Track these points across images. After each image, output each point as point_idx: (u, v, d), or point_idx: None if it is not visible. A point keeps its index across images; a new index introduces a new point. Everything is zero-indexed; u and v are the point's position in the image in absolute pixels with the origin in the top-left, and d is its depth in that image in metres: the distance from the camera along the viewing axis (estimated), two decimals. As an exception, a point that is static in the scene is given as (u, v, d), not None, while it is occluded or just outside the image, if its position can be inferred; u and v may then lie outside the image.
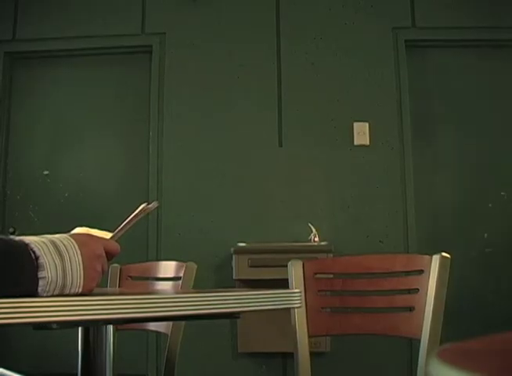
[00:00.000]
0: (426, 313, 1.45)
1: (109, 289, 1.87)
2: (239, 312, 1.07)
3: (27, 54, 4.14)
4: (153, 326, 1.88)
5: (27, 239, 0.84)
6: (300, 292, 1.09)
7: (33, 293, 0.81)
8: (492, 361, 0.32)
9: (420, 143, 3.85)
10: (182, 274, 1.78)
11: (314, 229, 3.51)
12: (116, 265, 2.03)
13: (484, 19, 3.90)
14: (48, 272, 0.82)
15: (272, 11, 3.97)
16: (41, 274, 0.81)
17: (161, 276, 1.94)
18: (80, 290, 0.87)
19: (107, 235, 1.09)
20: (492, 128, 3.90)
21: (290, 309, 1.31)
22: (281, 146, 3.82)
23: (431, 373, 0.32)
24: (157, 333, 2.09)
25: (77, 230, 1.19)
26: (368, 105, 3.83)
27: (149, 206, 1.13)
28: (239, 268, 3.24)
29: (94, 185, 3.98)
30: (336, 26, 3.91)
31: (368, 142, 3.78)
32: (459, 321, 3.40)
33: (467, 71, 3.98)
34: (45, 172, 4.02)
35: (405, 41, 3.91)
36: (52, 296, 0.83)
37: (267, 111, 3.87)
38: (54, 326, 0.86)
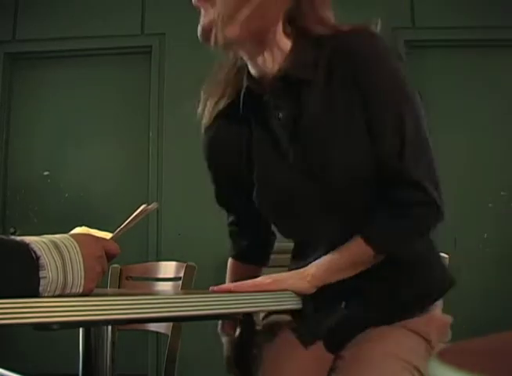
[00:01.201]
0: (425, 313, 1.45)
1: (109, 289, 1.87)
2: (239, 313, 1.07)
3: (27, 55, 4.14)
4: (153, 326, 1.88)
5: (28, 239, 0.84)
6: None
7: (34, 293, 0.81)
8: (492, 361, 0.32)
9: (419, 143, 3.85)
10: (182, 275, 1.78)
11: (314, 230, 3.51)
12: (116, 265, 2.03)
13: (484, 18, 3.90)
14: (49, 272, 0.82)
15: (272, 11, 3.97)
16: (42, 274, 0.81)
17: (161, 276, 1.94)
18: (80, 290, 0.87)
19: (107, 235, 1.09)
20: (492, 127, 3.90)
21: (290, 309, 1.31)
22: (281, 147, 3.82)
23: (432, 373, 0.32)
24: (158, 333, 2.08)
25: (77, 230, 1.19)
26: (368, 105, 3.83)
27: (149, 207, 1.13)
28: (240, 268, 3.23)
29: (94, 185, 3.98)
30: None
31: (368, 143, 3.78)
32: (459, 321, 3.40)
33: (467, 71, 3.98)
34: (46, 173, 4.02)
35: (405, 41, 3.91)
36: (53, 296, 0.83)
37: (267, 111, 3.86)
38: (55, 326, 0.86)
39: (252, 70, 1.22)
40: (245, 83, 1.22)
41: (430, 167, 1.13)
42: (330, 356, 1.24)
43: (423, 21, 3.93)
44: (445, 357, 0.31)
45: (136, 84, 4.06)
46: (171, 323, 1.76)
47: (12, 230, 3.91)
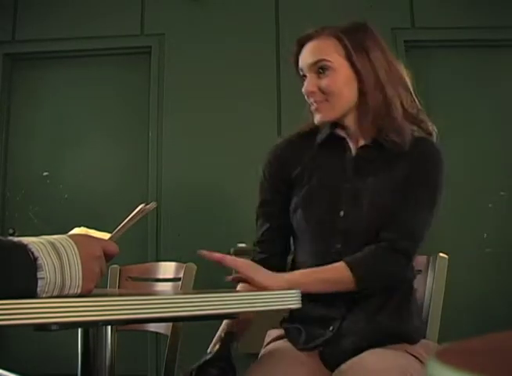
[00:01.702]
0: (424, 313, 1.46)
1: (108, 290, 1.87)
2: (238, 313, 1.07)
3: (27, 55, 4.14)
4: (152, 327, 1.88)
5: (26, 240, 0.83)
6: (299, 292, 1.09)
7: (32, 294, 0.81)
8: (490, 361, 0.32)
9: (419, 143, 3.85)
10: (181, 275, 1.77)
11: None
12: (115, 266, 2.02)
13: (483, 19, 3.90)
14: (47, 272, 0.82)
15: (272, 11, 3.97)
16: (39, 275, 0.81)
17: (161, 276, 1.93)
18: (79, 291, 0.87)
19: (106, 236, 1.09)
20: (491, 127, 3.90)
21: (289, 309, 1.31)
22: (281, 147, 3.81)
23: (430, 373, 0.32)
24: (157, 334, 2.08)
25: (76, 231, 1.19)
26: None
27: (147, 207, 1.13)
28: (239, 268, 3.22)
29: (93, 186, 3.98)
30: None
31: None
32: (458, 321, 3.40)
33: (467, 71, 3.98)
34: (45, 173, 4.02)
35: (405, 41, 3.91)
36: (52, 297, 0.83)
37: (267, 111, 3.86)
38: (54, 327, 0.86)
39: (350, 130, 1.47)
40: (329, 129, 1.48)
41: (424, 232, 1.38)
42: (328, 373, 1.31)
43: (422, 21, 3.93)
44: (444, 357, 0.31)
45: (136, 84, 4.06)
46: (170, 324, 1.75)
47: (11, 231, 3.90)
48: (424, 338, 1.39)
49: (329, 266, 1.31)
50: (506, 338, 0.37)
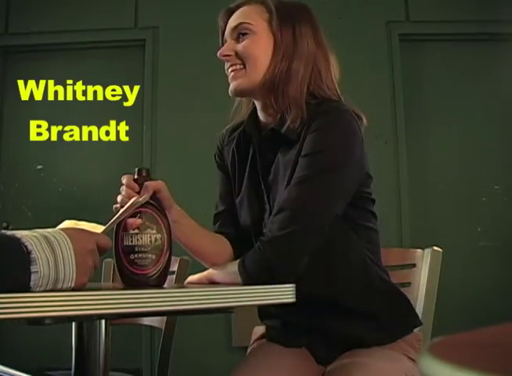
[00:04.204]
0: (417, 306, 1.46)
1: (102, 284, 1.87)
2: (233, 307, 1.07)
3: (20, 48, 4.11)
4: (146, 320, 1.88)
5: (19, 233, 0.83)
6: (293, 286, 1.09)
7: (25, 287, 0.81)
8: (482, 354, 0.32)
9: (413, 137, 3.85)
10: (175, 269, 1.78)
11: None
12: (109, 259, 2.02)
13: (478, 12, 3.90)
14: (41, 266, 0.82)
15: (266, 5, 3.95)
16: (33, 268, 0.81)
17: (155, 270, 1.93)
18: (72, 284, 0.87)
19: (96, 227, 1.09)
20: (485, 121, 3.91)
21: (283, 303, 1.31)
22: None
23: (423, 366, 0.32)
24: (151, 327, 2.09)
25: (66, 223, 1.19)
26: (361, 99, 3.82)
27: (140, 199, 1.12)
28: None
29: (88, 179, 3.97)
30: (329, 20, 3.89)
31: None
32: (452, 315, 3.41)
33: (461, 65, 3.98)
34: (39, 167, 4.01)
35: (399, 35, 3.90)
36: (45, 291, 0.83)
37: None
38: (47, 321, 0.86)
39: (260, 115, 1.41)
40: (245, 122, 1.45)
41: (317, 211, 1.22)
42: (321, 368, 1.31)
43: (417, 15, 3.93)
44: (436, 350, 0.31)
45: (130, 78, 4.04)
46: (164, 318, 1.76)
47: (4, 224, 3.89)
48: (407, 331, 1.37)
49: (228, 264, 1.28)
50: (498, 332, 0.38)
